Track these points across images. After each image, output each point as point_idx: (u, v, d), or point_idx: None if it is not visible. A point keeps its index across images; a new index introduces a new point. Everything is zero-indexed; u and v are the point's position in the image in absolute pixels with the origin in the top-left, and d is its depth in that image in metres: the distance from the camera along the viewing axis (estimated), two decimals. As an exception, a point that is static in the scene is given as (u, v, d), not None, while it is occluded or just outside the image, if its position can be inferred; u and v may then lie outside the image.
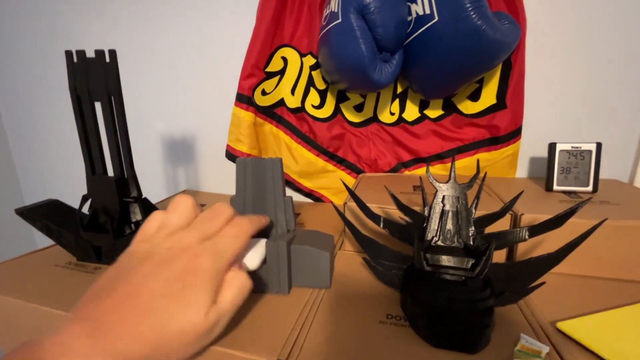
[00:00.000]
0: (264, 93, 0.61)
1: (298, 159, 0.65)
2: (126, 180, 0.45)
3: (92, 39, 0.81)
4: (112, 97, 0.42)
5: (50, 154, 0.98)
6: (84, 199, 0.46)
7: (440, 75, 0.49)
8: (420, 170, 0.62)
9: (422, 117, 0.59)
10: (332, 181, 0.66)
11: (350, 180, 0.65)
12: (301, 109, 0.62)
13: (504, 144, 0.55)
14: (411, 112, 0.59)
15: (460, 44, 0.42)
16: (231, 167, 0.73)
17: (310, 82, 0.61)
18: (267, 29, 0.57)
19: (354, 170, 0.65)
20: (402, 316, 0.32)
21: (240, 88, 0.59)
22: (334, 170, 0.66)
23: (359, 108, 0.62)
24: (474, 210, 0.33)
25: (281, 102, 0.63)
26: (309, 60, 0.60)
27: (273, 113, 0.63)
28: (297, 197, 0.72)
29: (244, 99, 0.60)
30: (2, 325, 0.39)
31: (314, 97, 0.61)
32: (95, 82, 0.42)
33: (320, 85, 0.61)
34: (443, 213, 0.32)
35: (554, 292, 0.35)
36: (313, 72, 0.60)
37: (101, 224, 0.45)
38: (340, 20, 0.45)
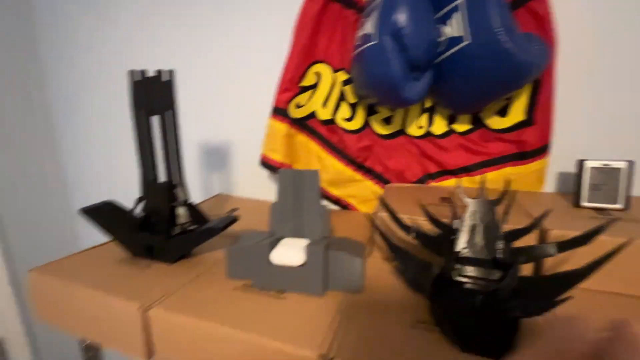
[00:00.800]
0: (297, 106, 0.65)
1: (328, 168, 0.69)
2: (175, 186, 0.50)
3: (140, 54, 0.88)
4: (168, 112, 0.47)
5: (96, 160, 1.06)
6: (138, 201, 0.51)
7: (470, 93, 0.51)
8: (447, 182, 0.64)
9: (450, 131, 0.61)
10: (359, 190, 0.69)
11: (377, 190, 0.68)
12: (332, 121, 0.66)
13: (531, 159, 0.56)
14: (439, 125, 0.62)
15: (490, 65, 0.44)
16: (262, 173, 0.78)
17: (342, 97, 0.64)
18: (303, 47, 0.61)
19: (381, 180, 0.68)
20: (431, 321, 0.34)
21: (277, 102, 0.64)
22: (362, 180, 0.69)
23: (387, 121, 0.65)
24: (502, 225, 0.34)
25: (313, 115, 0.67)
26: (342, 76, 0.63)
27: (305, 125, 0.67)
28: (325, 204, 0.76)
29: (279, 112, 0.64)
30: (58, 305, 0.44)
31: (345, 111, 0.64)
32: (153, 98, 0.47)
33: (351, 99, 0.64)
34: (473, 227, 0.35)
35: (580, 307, 0.36)
36: (345, 87, 0.63)
37: (152, 225, 0.49)
38: (375, 42, 0.48)
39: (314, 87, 0.65)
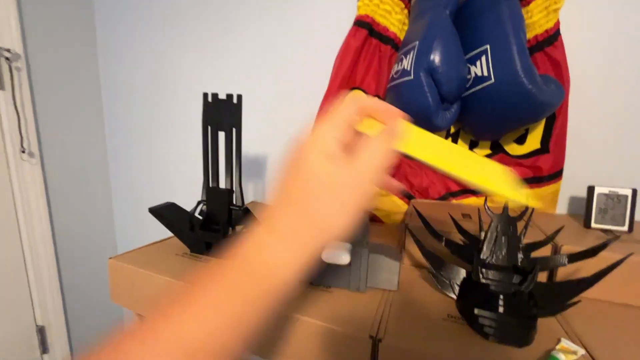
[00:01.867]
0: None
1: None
2: (233, 192, 0.58)
3: (186, 69, 0.98)
4: (234, 129, 0.55)
5: (139, 167, 1.15)
6: (199, 203, 0.59)
7: (491, 124, 0.58)
8: (467, 200, 0.71)
9: (472, 155, 0.68)
10: (385, 204, 0.76)
11: (401, 205, 0.75)
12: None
13: (546, 183, 0.63)
14: (462, 149, 0.69)
15: (511, 103, 0.52)
16: None
17: (375, 120, 0.72)
18: (343, 75, 0.69)
19: (406, 196, 0.75)
20: (459, 317, 0.41)
21: (317, 122, 0.72)
22: (387, 195, 0.76)
23: (414, 143, 0.72)
24: (522, 238, 0.41)
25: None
26: (376, 102, 0.71)
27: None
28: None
29: (319, 131, 0.72)
30: (133, 289, 0.52)
31: (377, 132, 0.72)
32: (223, 117, 0.55)
33: (384, 122, 0.72)
34: (497, 238, 0.41)
35: (588, 310, 0.42)
36: (378, 112, 0.71)
37: (212, 225, 0.57)
38: (412, 77, 0.56)
39: (350, 110, 0.73)
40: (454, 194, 0.72)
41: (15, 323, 0.96)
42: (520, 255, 0.41)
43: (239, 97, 0.54)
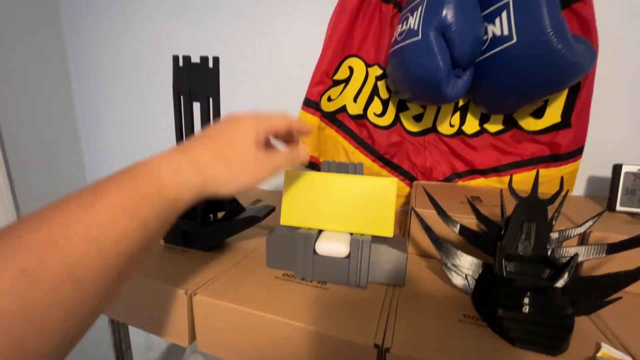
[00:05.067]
0: (329, 99, 0.65)
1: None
2: (212, 173, 0.50)
3: (171, 42, 0.88)
4: (211, 99, 0.46)
5: (116, 144, 1.06)
6: (173, 188, 0.51)
7: (509, 93, 0.51)
8: (475, 182, 0.64)
9: (482, 131, 0.61)
10: None
11: (403, 187, 0.68)
12: (362, 116, 0.66)
13: (564, 161, 0.56)
14: (471, 125, 0.62)
15: (537, 66, 0.44)
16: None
17: (375, 92, 0.64)
18: (338, 40, 0.61)
19: (408, 177, 0.68)
20: (478, 317, 0.35)
21: (309, 94, 0.63)
22: (388, 176, 0.69)
23: (418, 118, 0.65)
24: (553, 224, 0.35)
25: (343, 109, 0.67)
26: (375, 71, 0.63)
27: (334, 118, 0.67)
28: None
29: (311, 104, 0.64)
30: None
31: (376, 106, 0.64)
32: (196, 84, 0.46)
33: (384, 94, 0.64)
34: (523, 225, 0.35)
35: (626, 306, 0.36)
36: (378, 82, 0.63)
37: (188, 211, 0.49)
38: (419, 37, 0.48)
39: (346, 81, 0.65)
40: (460, 175, 0.65)
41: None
42: (550, 245, 0.34)
43: (216, 60, 0.45)
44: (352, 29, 0.62)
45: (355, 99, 0.66)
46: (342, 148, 0.69)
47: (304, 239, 0.40)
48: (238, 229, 0.47)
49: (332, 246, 0.39)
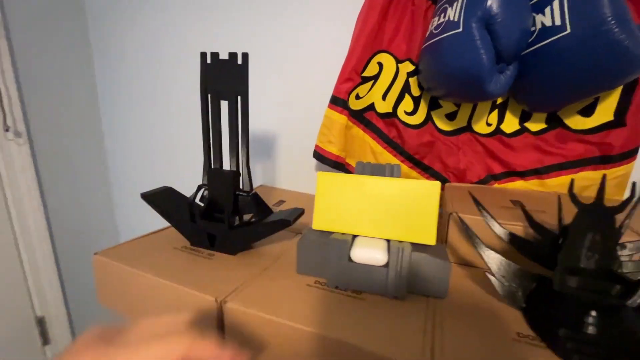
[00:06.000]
0: (357, 97, 0.63)
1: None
2: (239, 174, 0.48)
3: (193, 41, 0.87)
4: (239, 97, 0.45)
5: (138, 147, 1.06)
6: (199, 188, 0.50)
7: (558, 89, 0.47)
8: (512, 184, 0.60)
9: (522, 130, 0.57)
10: None
11: None
12: (392, 114, 0.63)
13: (616, 163, 0.52)
14: (510, 123, 0.58)
15: (593, 60, 0.40)
16: (307, 165, 0.76)
17: (406, 89, 0.61)
18: (368, 35, 0.58)
19: (439, 179, 0.64)
20: (534, 336, 0.31)
21: (337, 91, 0.61)
22: (418, 178, 0.66)
23: (451, 117, 0.62)
24: (621, 235, 0.31)
25: (371, 107, 0.64)
26: (407, 67, 0.60)
27: (362, 117, 0.64)
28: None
29: (339, 102, 0.61)
30: (122, 290, 0.44)
31: (407, 104, 0.61)
32: (225, 82, 0.45)
33: (416, 92, 0.61)
34: (587, 235, 0.31)
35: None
36: (410, 79, 0.60)
37: (215, 213, 0.48)
38: (460, 29, 0.44)
39: (375, 77, 0.62)
40: (497, 177, 0.61)
41: (13, 314, 0.91)
42: (619, 257, 0.31)
43: (245, 56, 0.43)
44: (383, 23, 0.59)
45: (384, 97, 0.63)
46: (370, 148, 0.66)
47: (338, 245, 0.37)
48: (267, 232, 0.45)
49: (369, 253, 0.36)
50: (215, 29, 0.83)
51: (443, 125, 0.62)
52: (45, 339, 0.99)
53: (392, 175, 0.40)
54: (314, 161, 0.79)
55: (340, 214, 0.40)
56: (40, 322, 0.97)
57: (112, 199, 1.17)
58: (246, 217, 0.49)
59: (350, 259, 0.37)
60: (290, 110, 0.78)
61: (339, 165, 0.65)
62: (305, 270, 0.41)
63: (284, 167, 0.83)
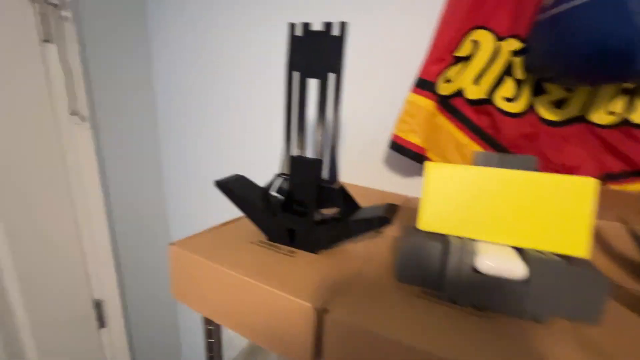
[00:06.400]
0: (446, 80, 0.55)
1: (468, 159, 0.58)
2: (322, 162, 0.42)
3: (257, 21, 0.83)
4: (333, 75, 0.39)
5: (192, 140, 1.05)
6: (277, 177, 0.45)
7: None
8: (634, 186, 0.50)
9: (660, 120, 0.47)
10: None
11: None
12: (486, 101, 0.55)
13: None
14: (642, 112, 0.48)
15: None
16: (370, 157, 0.69)
17: (508, 71, 0.52)
18: (469, 6, 0.50)
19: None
20: None
21: (425, 73, 0.54)
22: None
23: (560, 104, 0.52)
24: None
25: (459, 93, 0.56)
26: (511, 45, 0.51)
27: (448, 104, 0.57)
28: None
29: (427, 86, 0.54)
30: (200, 286, 0.40)
31: (508, 88, 0.53)
32: (315, 57, 0.39)
33: (520, 74, 0.52)
34: None
35: None
36: (515, 59, 0.52)
37: (294, 206, 0.43)
38: (609, -9, 0.36)
39: (467, 58, 0.54)
40: (615, 177, 0.51)
41: (72, 297, 0.93)
42: None
43: (343, 26, 0.37)
44: (484, -7, 0.51)
45: (477, 80, 0.55)
46: (454, 140, 0.58)
47: (460, 251, 0.31)
48: (361, 231, 0.39)
49: (503, 263, 0.30)
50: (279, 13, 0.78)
51: (548, 114, 0.53)
52: (101, 323, 1.01)
53: (525, 168, 0.32)
54: (376, 152, 0.72)
55: (457, 213, 0.33)
56: (98, 306, 0.99)
57: (163, 185, 1.18)
58: (328, 212, 0.44)
59: (475, 269, 0.31)
60: (354, 96, 0.72)
61: (419, 157, 0.58)
62: (409, 279, 0.35)
63: (343, 158, 0.77)
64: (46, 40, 0.77)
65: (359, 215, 0.40)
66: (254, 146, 0.91)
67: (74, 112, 0.82)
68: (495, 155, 0.34)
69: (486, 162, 0.34)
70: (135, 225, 1.08)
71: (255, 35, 0.83)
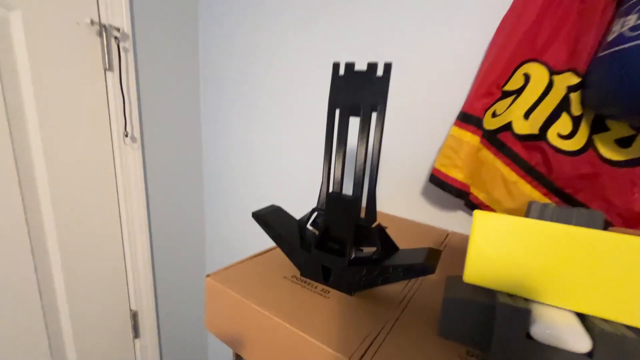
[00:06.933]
0: (494, 115, 0.52)
1: (516, 196, 0.54)
2: (360, 201, 0.42)
3: (299, 53, 0.86)
4: (375, 113, 0.39)
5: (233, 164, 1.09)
6: (313, 212, 0.45)
7: None
8: None
9: None
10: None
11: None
12: (537, 137, 0.51)
13: None
14: None
15: None
16: (409, 187, 0.67)
17: (564, 106, 0.49)
18: (520, 41, 0.48)
19: (596, 220, 0.50)
20: None
21: (470, 107, 0.52)
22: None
23: (624, 142, 0.48)
24: None
25: (507, 127, 0.53)
26: (567, 79, 0.48)
27: (495, 138, 0.54)
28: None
29: (472, 120, 0.52)
30: (233, 321, 0.40)
31: (564, 124, 0.49)
32: (358, 96, 0.39)
33: (577, 110, 0.48)
34: None
35: None
36: (572, 95, 0.48)
37: (329, 242, 0.42)
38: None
39: (518, 92, 0.51)
40: (693, 227, 0.45)
41: (112, 307, 0.98)
42: None
43: (387, 67, 0.37)
44: (539, 26, 0.48)
45: (527, 115, 0.52)
46: (501, 176, 0.55)
47: (512, 313, 0.28)
48: (400, 278, 0.37)
49: (563, 333, 0.26)
50: (330, 39, 0.80)
51: (610, 153, 0.49)
52: (136, 333, 1.05)
53: (590, 224, 0.29)
54: (416, 183, 0.70)
55: (508, 268, 0.31)
56: (134, 317, 1.03)
57: (203, 209, 1.22)
58: (366, 251, 0.42)
59: (528, 335, 0.28)
60: (392, 124, 0.71)
61: (461, 193, 0.55)
62: (452, 335, 0.32)
63: (381, 186, 0.76)
64: (108, 69, 0.84)
65: (398, 259, 0.38)
66: (293, 178, 0.92)
67: (127, 134, 0.89)
68: (551, 206, 0.31)
69: (541, 214, 0.31)
70: (173, 244, 1.13)
71: (300, 71, 0.85)
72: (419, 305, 0.38)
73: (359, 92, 0.39)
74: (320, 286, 0.42)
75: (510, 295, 0.30)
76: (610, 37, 0.42)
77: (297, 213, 0.54)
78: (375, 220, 0.41)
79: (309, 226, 0.46)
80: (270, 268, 0.45)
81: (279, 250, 0.50)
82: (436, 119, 0.64)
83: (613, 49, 0.41)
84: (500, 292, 0.31)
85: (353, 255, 0.41)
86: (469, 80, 0.59)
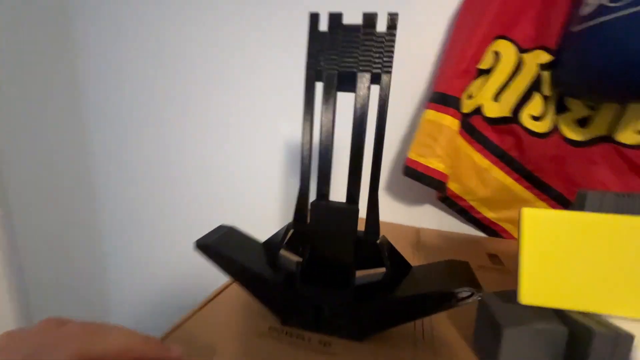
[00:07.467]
0: (469, 97, 0.47)
1: (488, 183, 0.51)
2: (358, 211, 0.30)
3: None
4: (376, 87, 0.28)
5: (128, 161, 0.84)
6: (288, 228, 0.32)
7: None
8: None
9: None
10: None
11: None
12: (509, 120, 0.48)
13: None
14: (672, 131, 0.45)
15: None
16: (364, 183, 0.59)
17: (536, 86, 0.46)
18: (497, 13, 0.43)
19: (560, 202, 0.51)
20: None
21: (449, 87, 0.46)
22: (531, 201, 0.51)
23: (583, 122, 0.48)
24: None
25: (477, 110, 0.49)
26: (538, 57, 0.46)
27: (467, 123, 0.49)
28: (464, 229, 0.58)
29: (451, 102, 0.46)
30: None
31: (535, 105, 0.47)
32: (350, 61, 0.28)
33: (547, 90, 0.47)
34: None
35: None
36: (543, 73, 0.46)
37: (320, 271, 0.30)
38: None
39: (488, 71, 0.48)
40: (640, 199, 0.48)
41: None
42: None
43: (393, 19, 0.26)
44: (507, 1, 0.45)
45: (496, 97, 0.48)
46: (471, 163, 0.51)
47: (610, 339, 0.21)
48: (429, 312, 0.27)
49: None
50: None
51: (571, 133, 0.49)
52: None
53: (656, 213, 0.24)
54: (388, 179, 0.62)
55: (576, 279, 0.24)
56: None
57: (95, 220, 0.93)
58: (366, 275, 0.31)
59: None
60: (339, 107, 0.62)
61: (441, 185, 0.49)
62: (516, 376, 0.24)
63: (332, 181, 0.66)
64: None
65: (423, 283, 0.28)
66: (237, 191, 0.75)
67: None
68: (609, 194, 0.26)
69: (599, 206, 0.26)
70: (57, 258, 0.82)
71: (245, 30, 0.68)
72: (440, 339, 0.30)
73: (348, 56, 0.27)
74: (316, 336, 0.29)
75: (589, 316, 0.24)
76: (586, 10, 0.40)
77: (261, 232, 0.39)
78: (378, 232, 0.31)
79: (283, 251, 0.32)
80: (236, 320, 0.31)
81: (236, 288, 0.35)
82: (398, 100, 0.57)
83: (593, 22, 0.39)
84: (571, 311, 0.24)
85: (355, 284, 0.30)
86: (431, 59, 0.54)
